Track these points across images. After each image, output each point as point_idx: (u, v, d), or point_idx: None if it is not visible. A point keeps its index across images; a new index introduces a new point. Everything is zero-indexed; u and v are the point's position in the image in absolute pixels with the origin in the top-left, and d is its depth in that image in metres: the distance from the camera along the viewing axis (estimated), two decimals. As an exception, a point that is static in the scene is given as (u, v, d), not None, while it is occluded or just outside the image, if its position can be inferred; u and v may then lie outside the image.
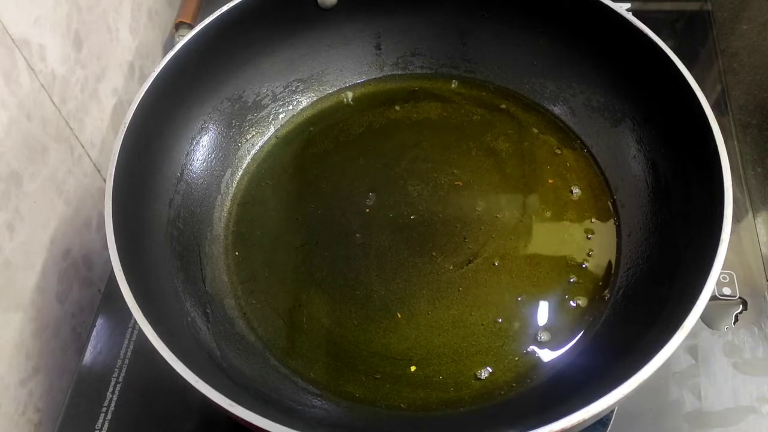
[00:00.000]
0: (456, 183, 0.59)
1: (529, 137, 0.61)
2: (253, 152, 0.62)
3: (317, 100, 0.66)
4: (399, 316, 0.52)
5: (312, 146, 0.63)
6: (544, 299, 0.52)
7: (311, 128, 0.64)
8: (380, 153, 0.62)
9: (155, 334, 0.40)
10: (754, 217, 0.59)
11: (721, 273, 0.43)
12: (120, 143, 0.49)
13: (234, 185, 0.61)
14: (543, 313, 0.52)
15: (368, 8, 0.62)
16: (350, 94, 0.66)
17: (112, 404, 0.52)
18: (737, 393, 0.51)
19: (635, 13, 0.54)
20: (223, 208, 0.59)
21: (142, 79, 0.71)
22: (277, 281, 0.55)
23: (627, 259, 0.53)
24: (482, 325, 0.52)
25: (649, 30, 0.52)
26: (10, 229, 0.50)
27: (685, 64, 0.50)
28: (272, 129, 0.64)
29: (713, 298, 0.54)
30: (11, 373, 0.51)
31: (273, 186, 0.61)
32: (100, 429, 0.51)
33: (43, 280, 0.55)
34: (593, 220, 0.56)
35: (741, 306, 0.54)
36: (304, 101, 0.65)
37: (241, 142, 0.62)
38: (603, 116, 0.59)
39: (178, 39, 0.68)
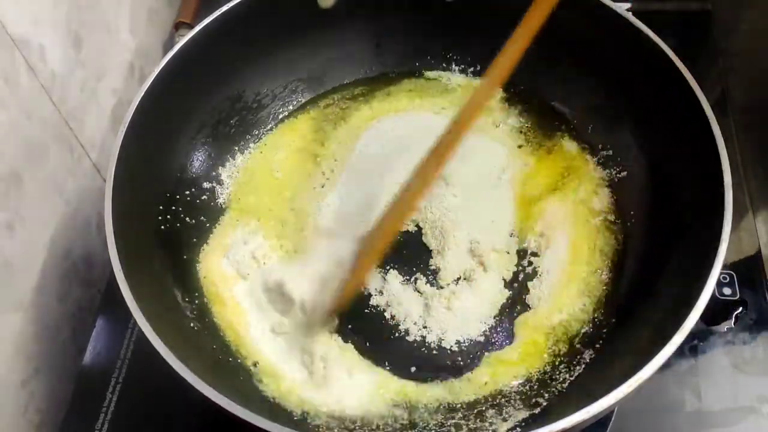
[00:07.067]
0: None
1: (529, 136, 0.61)
2: (253, 152, 0.62)
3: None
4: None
5: (312, 146, 0.63)
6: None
7: (311, 128, 0.64)
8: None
9: (155, 334, 0.40)
10: (754, 217, 0.59)
11: (721, 273, 0.43)
12: (120, 143, 0.49)
13: (234, 185, 0.60)
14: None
15: (368, 7, 0.62)
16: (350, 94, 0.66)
17: (112, 404, 0.52)
18: (737, 393, 0.51)
19: (635, 13, 0.54)
20: (223, 208, 0.59)
21: (142, 79, 0.70)
22: (277, 281, 0.55)
23: (628, 258, 0.53)
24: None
25: (649, 30, 0.52)
26: (10, 229, 0.50)
27: (685, 64, 0.50)
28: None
29: (713, 298, 0.54)
30: (12, 374, 0.51)
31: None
32: (100, 429, 0.51)
33: (43, 281, 0.55)
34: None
35: (741, 306, 0.54)
36: (304, 101, 0.65)
37: (241, 142, 0.62)
38: (603, 116, 0.59)
39: (178, 39, 0.68)
